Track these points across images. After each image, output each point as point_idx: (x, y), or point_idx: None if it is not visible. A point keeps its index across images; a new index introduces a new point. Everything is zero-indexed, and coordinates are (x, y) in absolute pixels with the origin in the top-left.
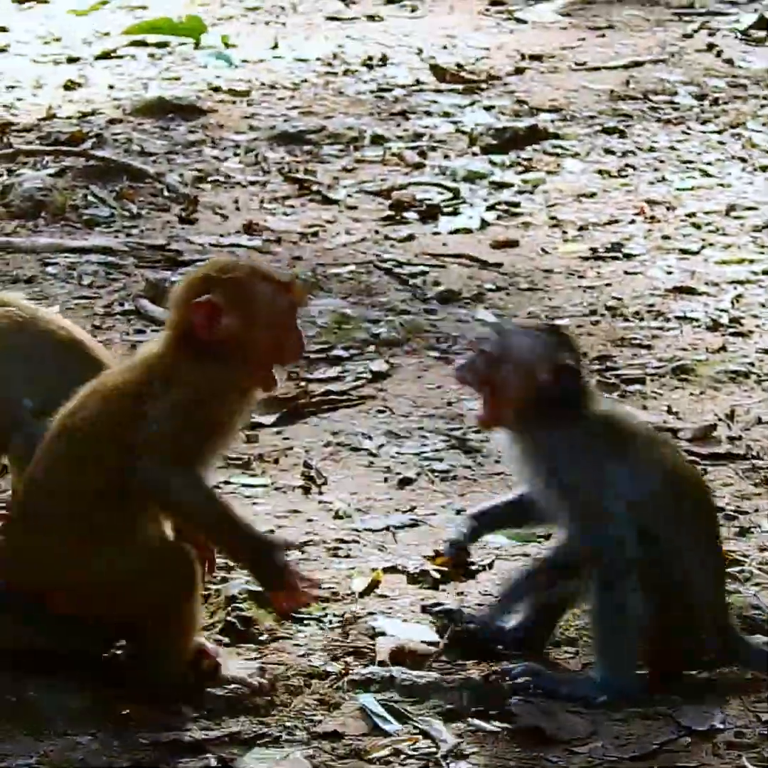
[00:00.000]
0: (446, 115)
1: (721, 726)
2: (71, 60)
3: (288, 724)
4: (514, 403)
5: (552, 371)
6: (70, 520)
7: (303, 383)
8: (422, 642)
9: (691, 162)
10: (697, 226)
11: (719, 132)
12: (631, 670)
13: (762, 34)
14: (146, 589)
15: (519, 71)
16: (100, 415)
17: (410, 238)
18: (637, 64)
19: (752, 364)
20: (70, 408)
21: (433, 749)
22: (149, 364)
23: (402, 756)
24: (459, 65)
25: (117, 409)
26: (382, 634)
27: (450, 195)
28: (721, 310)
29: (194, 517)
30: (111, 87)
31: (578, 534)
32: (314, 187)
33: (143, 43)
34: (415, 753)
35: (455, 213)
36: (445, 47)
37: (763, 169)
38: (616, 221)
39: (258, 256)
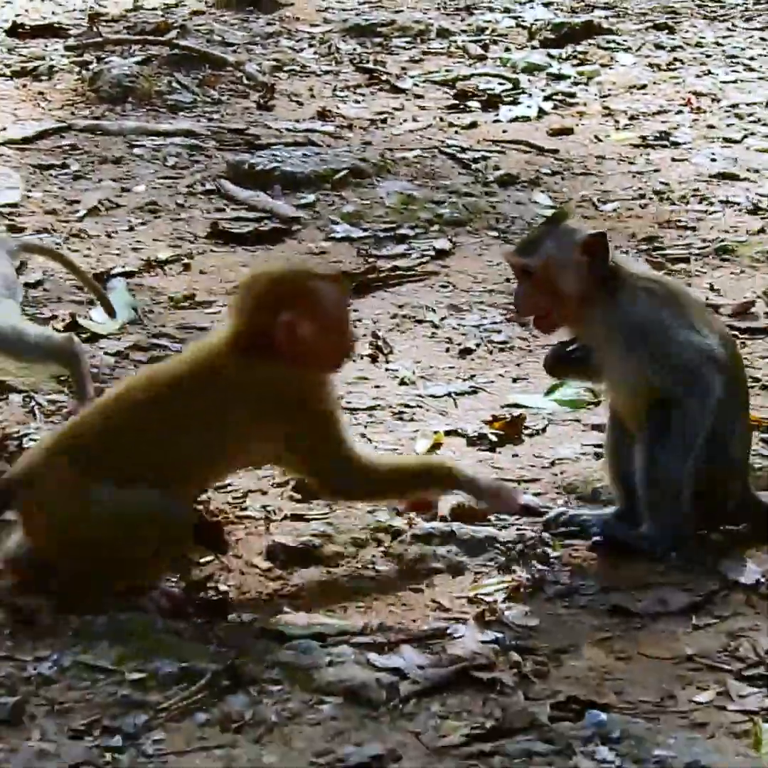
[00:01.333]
0: (507, 10)
1: (763, 579)
2: None
3: (355, 574)
4: (572, 300)
5: (584, 250)
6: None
7: (371, 259)
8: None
9: (735, 57)
10: (740, 117)
11: (762, 28)
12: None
13: None
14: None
15: None
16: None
17: (473, 125)
18: None
19: None
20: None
21: (490, 597)
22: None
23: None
24: None
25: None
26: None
27: (510, 85)
28: (762, 195)
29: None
30: None
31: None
32: (383, 77)
33: None
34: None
35: (515, 102)
36: None
37: None
38: (665, 111)
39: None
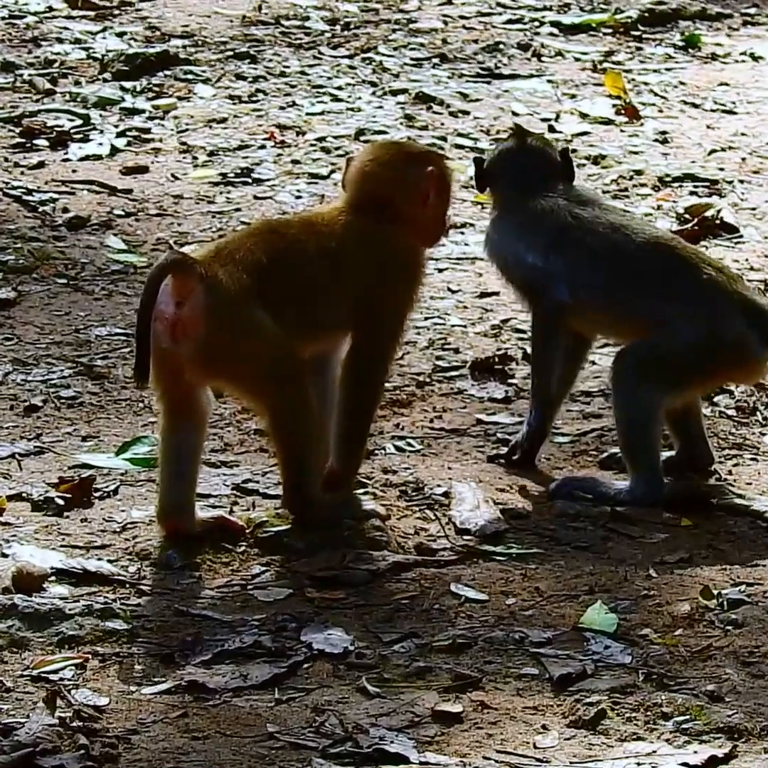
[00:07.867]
0: (78, 41)
1: (351, 647)
2: None
3: None
4: None
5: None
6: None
7: None
8: (51, 567)
9: (321, 87)
10: (327, 151)
11: (350, 56)
12: None
13: None
14: None
15: None
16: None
17: (40, 165)
18: None
19: None
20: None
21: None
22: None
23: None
24: None
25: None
26: (3, 556)
27: (81, 122)
28: None
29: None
30: None
31: None
32: None
33: None
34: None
35: (86, 140)
36: None
37: (393, 93)
38: (247, 146)
39: None
